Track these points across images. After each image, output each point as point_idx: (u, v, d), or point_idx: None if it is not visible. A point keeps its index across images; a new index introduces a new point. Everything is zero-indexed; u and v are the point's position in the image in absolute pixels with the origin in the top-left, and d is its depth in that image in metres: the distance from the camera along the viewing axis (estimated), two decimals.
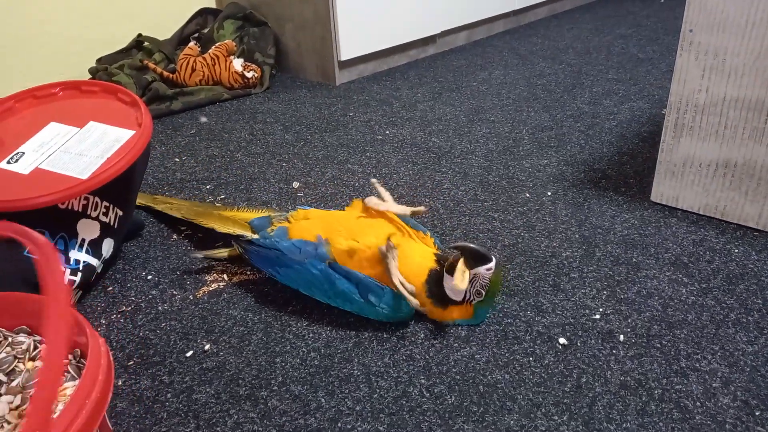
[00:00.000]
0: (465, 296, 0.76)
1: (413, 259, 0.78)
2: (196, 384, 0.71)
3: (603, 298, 0.83)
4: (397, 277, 0.75)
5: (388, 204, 0.86)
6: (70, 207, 0.83)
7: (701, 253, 0.92)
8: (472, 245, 0.74)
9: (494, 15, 2.23)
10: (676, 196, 1.03)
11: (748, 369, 0.70)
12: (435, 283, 0.77)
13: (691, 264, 0.89)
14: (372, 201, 0.86)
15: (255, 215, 0.92)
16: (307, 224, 0.85)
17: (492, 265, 0.74)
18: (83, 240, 0.84)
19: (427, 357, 0.74)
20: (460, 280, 0.73)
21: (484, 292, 0.75)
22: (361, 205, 0.88)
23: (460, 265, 0.74)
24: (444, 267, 0.75)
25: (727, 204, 0.98)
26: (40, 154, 0.85)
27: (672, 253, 0.92)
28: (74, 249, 0.83)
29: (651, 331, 0.76)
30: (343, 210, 0.91)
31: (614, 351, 0.74)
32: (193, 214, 0.99)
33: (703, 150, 0.97)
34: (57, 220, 0.82)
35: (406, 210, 0.85)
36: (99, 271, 0.88)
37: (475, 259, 0.74)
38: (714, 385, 0.68)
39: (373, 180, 0.92)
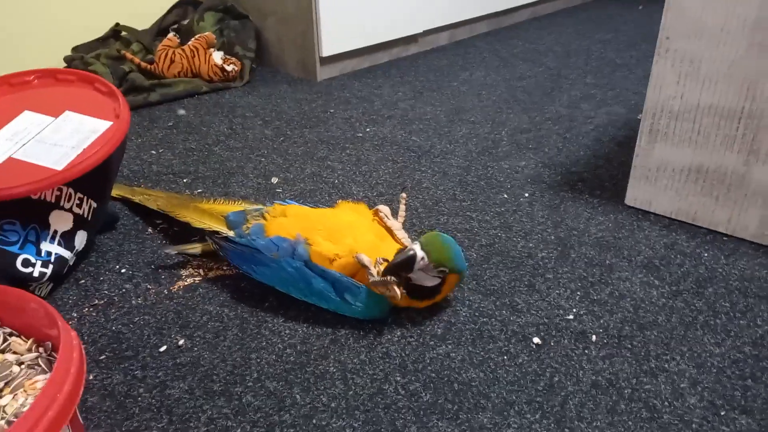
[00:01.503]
0: (439, 277, 0.76)
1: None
2: (169, 379, 0.71)
3: (577, 298, 0.84)
4: (376, 280, 0.75)
5: (395, 223, 0.87)
6: (42, 198, 0.81)
7: (672, 256, 0.94)
8: (392, 262, 0.75)
9: (476, 16, 2.24)
10: (649, 200, 1.05)
11: (714, 370, 0.72)
12: (415, 288, 0.77)
13: (662, 267, 0.91)
14: (384, 210, 0.88)
15: (232, 208, 0.92)
16: (285, 222, 0.84)
17: (419, 254, 0.73)
18: (55, 231, 0.82)
19: (403, 355, 0.74)
20: (397, 294, 0.74)
21: (441, 267, 0.75)
22: (345, 206, 0.88)
23: (384, 282, 0.75)
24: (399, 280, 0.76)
25: (699, 209, 1.00)
26: (14, 143, 0.83)
27: (644, 255, 0.94)
28: (46, 241, 0.81)
29: (622, 332, 0.78)
30: (323, 207, 0.91)
31: (586, 351, 0.75)
32: (170, 206, 0.98)
33: (677, 156, 0.99)
34: (29, 210, 0.80)
35: (404, 237, 0.86)
36: (71, 263, 0.86)
37: (404, 267, 0.74)
38: (682, 385, 0.70)
39: (403, 195, 0.92)
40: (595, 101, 1.61)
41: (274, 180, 1.18)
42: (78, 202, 0.85)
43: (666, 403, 0.67)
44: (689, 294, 0.85)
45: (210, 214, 0.91)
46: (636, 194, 1.06)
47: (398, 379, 0.71)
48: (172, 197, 1.04)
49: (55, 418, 0.45)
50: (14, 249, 0.78)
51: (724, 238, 0.98)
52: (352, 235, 0.80)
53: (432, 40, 2.13)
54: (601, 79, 1.80)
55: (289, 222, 0.84)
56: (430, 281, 0.76)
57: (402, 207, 0.91)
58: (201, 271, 0.90)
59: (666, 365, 0.73)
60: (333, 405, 0.67)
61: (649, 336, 0.77)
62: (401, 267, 0.74)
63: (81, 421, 0.55)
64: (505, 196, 1.12)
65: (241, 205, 0.93)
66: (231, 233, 0.86)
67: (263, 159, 1.27)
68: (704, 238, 0.98)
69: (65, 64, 1.65)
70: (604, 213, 1.06)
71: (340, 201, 0.92)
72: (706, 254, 0.94)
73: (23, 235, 0.79)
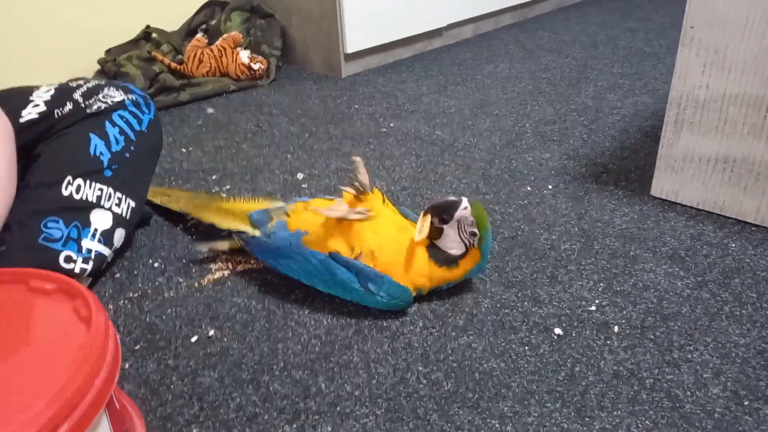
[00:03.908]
0: (465, 244, 0.79)
1: (412, 251, 0.80)
2: (200, 368, 0.74)
3: (599, 290, 0.85)
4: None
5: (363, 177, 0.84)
6: (84, 197, 0.85)
7: (698, 247, 0.93)
8: (435, 202, 0.78)
9: (501, 8, 2.23)
10: (675, 190, 1.04)
11: (739, 360, 0.71)
12: (437, 253, 0.80)
13: (687, 258, 0.90)
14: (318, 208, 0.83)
15: (253, 206, 0.94)
16: (307, 216, 0.87)
17: (465, 203, 0.78)
18: (96, 230, 0.86)
19: (425, 345, 0.76)
20: (417, 232, 0.77)
21: (476, 230, 0.78)
22: (350, 197, 0.86)
23: (420, 218, 0.78)
24: (431, 234, 0.79)
25: (726, 199, 0.99)
26: None
27: (669, 246, 0.93)
28: (87, 238, 0.85)
29: (645, 323, 0.78)
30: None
31: (608, 342, 0.75)
32: (191, 207, 1.00)
33: (703, 145, 0.98)
34: (72, 209, 0.84)
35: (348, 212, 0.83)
36: (110, 259, 0.90)
37: (447, 208, 0.77)
38: (705, 375, 0.69)
39: (356, 158, 0.86)
40: (622, 91, 1.59)
41: (300, 176, 1.20)
42: (117, 201, 0.89)
43: (688, 393, 0.67)
44: (715, 285, 0.84)
45: (233, 215, 0.93)
46: (662, 185, 1.05)
47: (420, 368, 0.72)
48: (194, 197, 1.05)
49: (92, 403, 0.47)
50: (57, 246, 0.82)
51: (753, 228, 0.96)
52: (371, 227, 0.82)
53: (456, 34, 2.13)
54: (629, 68, 1.77)
55: (310, 216, 0.86)
56: (455, 247, 0.79)
57: (362, 171, 0.85)
58: (229, 265, 0.93)
59: (689, 355, 0.72)
60: (356, 393, 0.69)
61: (673, 327, 0.77)
62: (444, 207, 0.77)
63: (117, 405, 0.58)
64: (529, 188, 1.12)
65: (262, 203, 0.95)
66: (257, 232, 0.88)
67: (289, 155, 1.30)
68: (732, 228, 0.97)
69: (99, 67, 1.71)
70: (629, 204, 1.06)
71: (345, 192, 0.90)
72: (733, 245, 0.93)
73: (66, 232, 0.83)
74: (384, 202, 0.87)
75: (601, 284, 0.86)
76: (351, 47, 1.75)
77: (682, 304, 0.81)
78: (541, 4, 2.47)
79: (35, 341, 0.50)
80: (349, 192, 0.84)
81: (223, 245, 0.94)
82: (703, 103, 0.95)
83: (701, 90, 0.95)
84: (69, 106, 0.91)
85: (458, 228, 0.79)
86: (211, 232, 1.01)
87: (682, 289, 0.84)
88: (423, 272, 0.80)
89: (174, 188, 1.16)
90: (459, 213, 0.77)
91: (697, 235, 0.96)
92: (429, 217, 0.78)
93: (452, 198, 0.78)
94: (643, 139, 1.30)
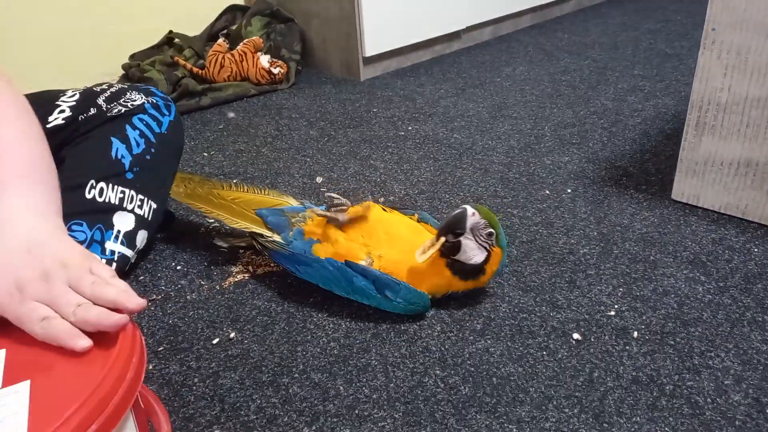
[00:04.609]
0: (486, 248, 0.79)
1: (426, 264, 0.81)
2: (221, 370, 0.75)
3: (619, 295, 0.84)
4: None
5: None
6: (107, 200, 0.87)
7: (720, 251, 0.92)
8: (443, 223, 0.78)
9: (520, 10, 2.22)
10: (697, 194, 1.03)
11: (761, 367, 0.70)
12: (461, 267, 0.80)
13: (709, 263, 0.90)
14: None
15: (258, 199, 0.94)
16: (322, 222, 0.88)
17: (470, 210, 0.78)
18: (119, 231, 0.88)
19: (443, 349, 0.76)
20: (421, 252, 0.77)
21: (491, 229, 0.79)
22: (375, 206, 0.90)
23: (431, 240, 0.78)
24: (449, 252, 0.79)
25: (749, 203, 0.97)
26: None
27: (690, 251, 0.92)
28: (110, 240, 0.87)
29: (665, 329, 0.77)
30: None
31: (627, 347, 0.75)
32: (189, 197, 0.97)
33: (725, 149, 0.97)
34: (95, 212, 0.86)
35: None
36: (133, 261, 0.92)
37: (457, 223, 0.77)
38: (726, 382, 0.69)
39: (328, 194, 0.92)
40: (642, 93, 1.58)
41: (319, 179, 1.22)
42: (139, 203, 0.91)
43: (709, 400, 0.67)
44: (737, 290, 0.84)
45: (241, 213, 0.93)
46: (683, 188, 1.04)
47: (438, 372, 0.73)
48: (195, 185, 0.99)
49: (118, 404, 0.49)
50: None
51: None
52: (383, 228, 0.83)
53: (475, 36, 2.13)
54: (650, 70, 1.76)
55: (323, 222, 0.87)
56: (478, 255, 0.79)
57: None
58: (250, 268, 0.95)
59: (710, 362, 0.72)
60: (374, 396, 0.70)
61: (693, 332, 0.76)
62: (454, 223, 0.77)
63: (142, 404, 0.60)
64: (547, 192, 1.12)
65: (268, 195, 0.95)
66: (277, 237, 0.89)
67: (308, 159, 1.31)
68: (755, 233, 0.96)
69: (123, 72, 1.74)
70: (650, 208, 1.05)
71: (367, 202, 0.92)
72: (756, 249, 0.92)
73: (90, 235, 0.85)
74: (386, 210, 0.89)
75: (621, 289, 0.85)
76: (370, 50, 1.76)
77: (703, 310, 0.80)
78: (560, 5, 2.46)
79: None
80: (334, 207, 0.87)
81: (242, 242, 0.95)
82: (725, 106, 0.94)
83: (723, 93, 0.94)
84: (93, 111, 0.93)
85: (474, 235, 0.78)
86: (233, 233, 1.03)
87: (703, 294, 0.83)
88: (433, 278, 0.81)
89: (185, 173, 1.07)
90: (470, 221, 0.77)
91: (719, 240, 0.95)
92: (442, 239, 0.77)
93: (456, 211, 0.78)
94: (664, 142, 1.29)
